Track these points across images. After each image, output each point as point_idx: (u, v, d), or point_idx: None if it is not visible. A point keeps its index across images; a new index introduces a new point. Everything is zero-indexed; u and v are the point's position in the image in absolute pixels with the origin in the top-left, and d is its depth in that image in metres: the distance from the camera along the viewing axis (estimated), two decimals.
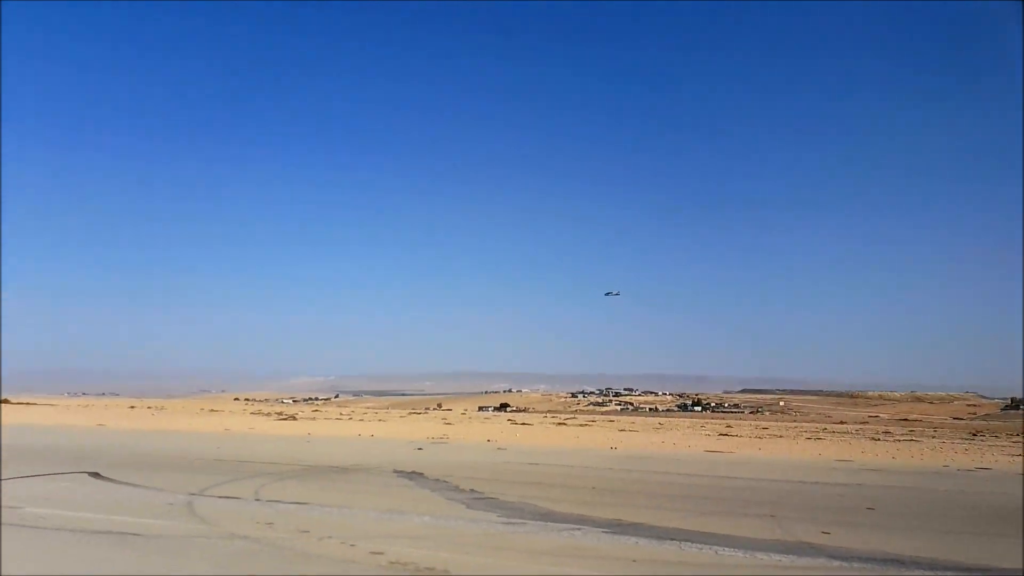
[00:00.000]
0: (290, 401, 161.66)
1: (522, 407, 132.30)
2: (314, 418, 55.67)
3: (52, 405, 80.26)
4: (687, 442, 33.51)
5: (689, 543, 10.54)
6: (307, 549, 9.72)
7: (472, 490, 15.84)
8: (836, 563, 9.68)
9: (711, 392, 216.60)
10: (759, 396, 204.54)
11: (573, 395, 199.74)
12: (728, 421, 75.28)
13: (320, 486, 16.46)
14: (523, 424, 50.20)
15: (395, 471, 19.65)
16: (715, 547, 10.32)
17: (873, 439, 39.20)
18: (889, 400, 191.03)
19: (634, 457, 25.59)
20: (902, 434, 46.59)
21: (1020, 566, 9.81)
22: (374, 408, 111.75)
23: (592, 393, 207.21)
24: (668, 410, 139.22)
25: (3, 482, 15.84)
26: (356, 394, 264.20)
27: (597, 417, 72.36)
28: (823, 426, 61.88)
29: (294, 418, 54.33)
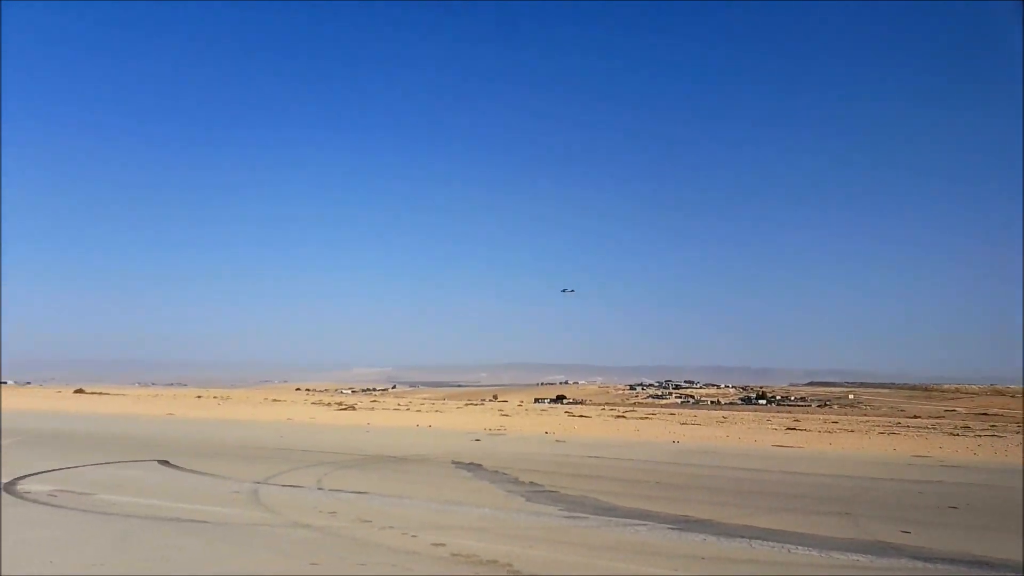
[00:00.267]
0: (349, 392, 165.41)
1: (579, 399, 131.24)
2: (372, 408, 56.70)
3: (123, 395, 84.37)
4: (753, 436, 32.33)
5: (759, 541, 10.11)
6: (369, 539, 9.77)
7: (531, 482, 15.69)
8: (919, 564, 9.13)
9: (776, 385, 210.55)
10: (826, 389, 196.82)
11: (631, 387, 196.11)
12: (795, 415, 72.40)
13: (380, 476, 16.67)
14: (581, 416, 49.65)
15: (453, 462, 19.72)
16: (787, 545, 9.87)
17: (951, 434, 36.89)
18: (966, 393, 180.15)
19: (698, 451, 24.86)
20: (983, 429, 43.70)
21: None
22: (430, 399, 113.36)
23: (651, 385, 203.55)
24: (731, 403, 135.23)
25: (77, 469, 16.71)
26: (412, 385, 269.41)
27: (657, 410, 70.75)
28: (896, 420, 58.80)
29: (353, 408, 55.47)
